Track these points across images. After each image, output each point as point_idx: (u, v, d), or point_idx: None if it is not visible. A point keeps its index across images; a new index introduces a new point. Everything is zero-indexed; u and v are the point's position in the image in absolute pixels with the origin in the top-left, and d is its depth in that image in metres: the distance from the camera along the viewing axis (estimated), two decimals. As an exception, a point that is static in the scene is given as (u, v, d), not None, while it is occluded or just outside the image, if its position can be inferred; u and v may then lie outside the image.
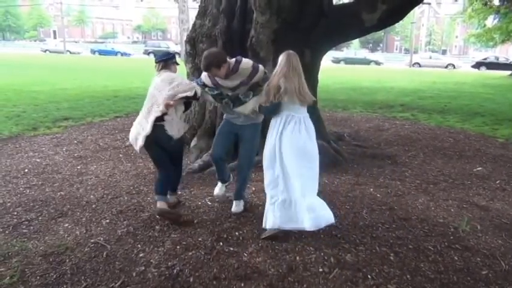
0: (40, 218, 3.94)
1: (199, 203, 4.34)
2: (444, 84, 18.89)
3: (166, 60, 3.96)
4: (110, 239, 3.51)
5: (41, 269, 3.08)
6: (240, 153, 4.18)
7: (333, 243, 3.50)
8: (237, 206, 4.13)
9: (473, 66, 35.17)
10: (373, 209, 4.31)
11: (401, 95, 14.23)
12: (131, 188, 4.76)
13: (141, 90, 13.21)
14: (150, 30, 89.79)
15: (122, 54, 42.22)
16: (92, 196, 4.48)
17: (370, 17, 5.81)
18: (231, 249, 3.38)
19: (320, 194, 3.66)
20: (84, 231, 3.65)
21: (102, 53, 42.48)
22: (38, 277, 2.98)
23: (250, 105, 3.84)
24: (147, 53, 42.92)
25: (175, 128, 3.87)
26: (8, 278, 2.96)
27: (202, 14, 6.47)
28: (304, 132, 3.62)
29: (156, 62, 3.98)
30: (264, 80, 3.80)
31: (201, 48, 6.36)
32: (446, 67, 36.07)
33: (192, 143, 6.30)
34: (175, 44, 45.82)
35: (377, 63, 40.02)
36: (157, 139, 3.82)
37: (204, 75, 3.94)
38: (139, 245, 3.42)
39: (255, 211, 4.13)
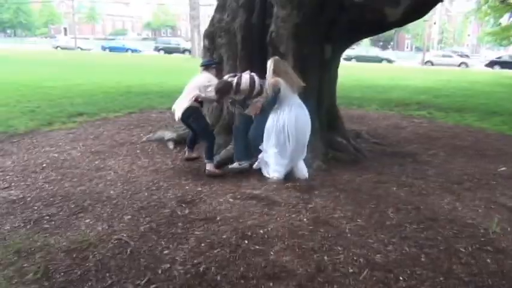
0: (61, 213, 3.89)
1: (221, 200, 4.26)
2: (459, 83, 18.63)
3: (207, 65, 5.73)
4: (132, 235, 3.44)
5: (65, 265, 3.01)
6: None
7: (361, 243, 3.41)
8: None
9: (486, 65, 34.70)
10: (398, 208, 4.20)
11: (417, 93, 14.04)
12: (150, 183, 4.70)
13: (154, 87, 13.21)
14: (160, 27, 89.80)
15: (133, 50, 42.26)
16: (111, 191, 4.42)
17: (393, 11, 5.67)
18: (257, 247, 3.30)
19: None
20: (107, 227, 3.58)
21: (113, 49, 42.58)
22: (61, 273, 2.92)
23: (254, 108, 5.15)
24: (157, 49, 42.99)
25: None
26: (31, 274, 2.90)
27: (221, 8, 6.39)
28: (300, 110, 4.91)
29: (200, 66, 5.81)
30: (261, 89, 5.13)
31: (220, 42, 6.29)
32: (459, 65, 35.65)
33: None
34: (186, 40, 45.71)
35: (389, 61, 39.69)
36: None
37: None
38: (163, 242, 3.35)
39: (275, 208, 4.04)
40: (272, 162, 4.95)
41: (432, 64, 36.73)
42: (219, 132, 6.21)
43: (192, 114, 5.35)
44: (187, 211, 3.95)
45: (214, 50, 6.38)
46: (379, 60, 39.16)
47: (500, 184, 5.17)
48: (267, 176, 4.98)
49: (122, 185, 4.62)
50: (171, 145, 6.38)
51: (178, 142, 6.45)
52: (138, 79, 15.58)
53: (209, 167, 5.16)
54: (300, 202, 4.24)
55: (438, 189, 4.91)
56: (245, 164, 5.32)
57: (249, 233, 3.51)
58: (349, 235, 3.54)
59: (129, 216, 3.81)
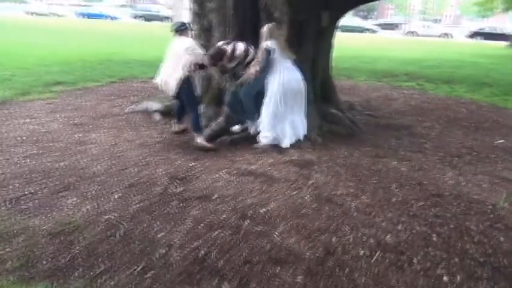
0: (43, 191, 3.57)
1: (216, 176, 3.99)
2: (444, 54, 18.50)
3: (182, 30, 5.17)
4: (123, 216, 3.17)
5: (50, 250, 2.73)
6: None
7: (369, 222, 3.21)
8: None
9: (469, 36, 34.70)
10: (402, 184, 4.02)
11: (404, 64, 13.84)
12: (138, 158, 4.39)
13: (135, 56, 12.65)
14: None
15: (112, 18, 40.72)
16: (97, 167, 4.10)
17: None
18: (259, 228, 3.07)
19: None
20: (94, 207, 3.29)
21: (90, 16, 40.90)
22: (46, 260, 2.64)
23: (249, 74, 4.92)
24: (136, 16, 41.49)
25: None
26: (12, 261, 2.61)
27: (210, -30, 5.94)
28: (292, 73, 4.91)
29: (174, 31, 5.16)
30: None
31: (210, 7, 5.88)
32: (439, 36, 35.55)
33: (201, 109, 5.88)
34: (168, 8, 44.18)
35: (372, 31, 39.29)
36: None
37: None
38: (157, 223, 3.09)
39: (274, 184, 3.81)
40: (263, 126, 4.93)
41: (417, 35, 36.47)
42: (209, 103, 5.89)
43: (185, 84, 4.99)
44: (181, 188, 3.68)
45: (204, 15, 5.96)
46: (361, 30, 38.69)
47: (500, 157, 5.04)
48: (260, 142, 4.91)
49: (108, 160, 4.30)
50: (157, 117, 6.04)
51: (165, 113, 6.11)
52: (118, 47, 14.92)
53: (199, 139, 4.91)
54: (299, 178, 4.01)
55: (438, 163, 4.75)
56: (246, 124, 5.24)
57: (250, 213, 3.27)
58: (355, 213, 3.34)
59: (119, 195, 3.51)
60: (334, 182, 3.96)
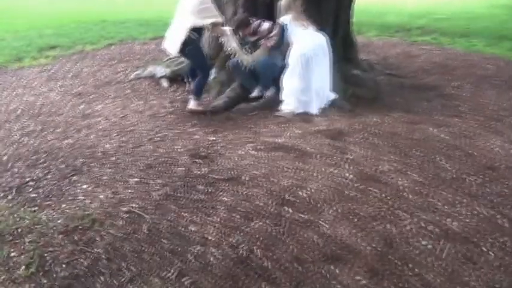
0: (49, 176, 3.15)
1: (241, 153, 3.56)
2: (452, 5, 17.67)
3: None
4: (145, 205, 2.76)
5: (66, 252, 2.34)
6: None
7: (426, 206, 2.81)
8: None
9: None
10: (448, 156, 3.60)
11: (415, 17, 13.11)
12: (152, 133, 3.95)
13: (131, 15, 11.87)
14: None
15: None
16: (107, 145, 3.67)
17: None
18: (303, 216, 2.67)
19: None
20: (111, 195, 2.88)
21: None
22: (63, 265, 2.25)
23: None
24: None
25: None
26: (23, 267, 2.21)
27: None
28: (318, 38, 4.57)
29: None
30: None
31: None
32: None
33: (211, 76, 5.37)
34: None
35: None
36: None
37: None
38: (185, 214, 2.68)
39: (308, 160, 3.39)
40: (286, 94, 4.59)
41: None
42: (220, 67, 5.38)
43: (189, 46, 4.52)
44: (205, 169, 3.25)
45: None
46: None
47: (544, 119, 4.61)
48: (283, 111, 4.55)
49: (118, 136, 3.86)
50: (165, 83, 5.54)
51: (173, 79, 5.62)
52: (110, 5, 14.06)
53: (193, 104, 4.60)
54: (335, 152, 3.58)
55: (479, 128, 4.33)
56: (270, 92, 4.86)
57: (289, 197, 2.87)
58: (407, 195, 2.94)
59: (136, 179, 3.09)
60: (375, 156, 3.53)
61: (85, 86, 5.40)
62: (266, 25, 4.74)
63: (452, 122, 4.47)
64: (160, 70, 5.74)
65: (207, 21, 4.55)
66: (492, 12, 14.98)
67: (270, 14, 5.01)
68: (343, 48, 5.60)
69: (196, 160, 3.40)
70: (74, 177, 3.12)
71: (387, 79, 6.09)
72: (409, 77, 6.33)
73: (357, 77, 5.56)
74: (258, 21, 4.79)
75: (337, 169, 3.29)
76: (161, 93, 5.17)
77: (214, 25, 4.59)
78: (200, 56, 4.72)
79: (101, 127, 4.08)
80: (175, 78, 5.58)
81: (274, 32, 4.66)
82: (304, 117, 4.41)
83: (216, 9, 4.61)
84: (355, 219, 2.64)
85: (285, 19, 4.58)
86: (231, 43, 4.69)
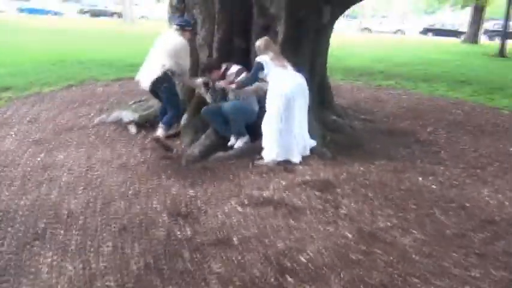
0: (4, 244, 2.67)
1: (226, 209, 3.23)
2: (408, 51, 18.47)
3: (183, 27, 4.58)
4: (124, 280, 2.35)
5: None
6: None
7: (437, 270, 2.57)
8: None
9: (421, 32, 35.41)
10: (444, 209, 3.43)
11: (375, 62, 13.52)
12: (124, 187, 3.55)
13: (90, 55, 11.44)
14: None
15: (55, 13, 38.18)
16: (73, 203, 3.23)
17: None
18: (308, 287, 2.34)
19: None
20: (81, 269, 2.44)
21: (32, 11, 38.11)
22: None
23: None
24: (82, 12, 39.17)
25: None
26: None
27: (193, -44, 5.12)
28: (297, 78, 4.30)
29: (174, 25, 4.64)
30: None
31: (193, 1, 5.05)
32: (395, 32, 36.08)
33: (182, 121, 5.06)
34: (116, 3, 42.09)
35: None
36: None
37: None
38: (172, 290, 2.29)
39: (301, 217, 3.10)
40: (267, 142, 4.29)
41: (370, 31, 36.78)
42: (192, 113, 5.08)
43: (162, 83, 4.41)
44: (188, 230, 2.89)
45: (185, 10, 5.14)
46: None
47: (525, 167, 4.59)
48: (263, 159, 4.26)
49: (85, 192, 3.43)
50: (133, 129, 5.16)
51: (141, 125, 5.25)
52: (70, 46, 13.54)
53: (160, 132, 4.44)
54: (327, 206, 3.33)
55: (465, 177, 4.24)
56: (245, 139, 4.59)
57: (288, 263, 2.55)
58: (415, 256, 2.69)
59: (110, 246, 2.67)
60: (369, 210, 3.30)
61: (44, 132, 4.93)
62: (234, 68, 4.57)
63: (436, 170, 4.36)
64: (127, 115, 5.37)
65: (182, 65, 4.51)
66: (444, 58, 15.73)
67: (246, 58, 4.85)
68: (319, 93, 5.47)
69: (177, 220, 3.03)
70: (36, 246, 2.65)
71: (362, 124, 6.00)
72: (383, 122, 6.30)
73: (334, 123, 5.43)
74: (226, 64, 4.63)
75: (333, 227, 3.01)
76: (129, 141, 4.78)
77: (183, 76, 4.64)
78: (174, 94, 4.58)
79: (64, 180, 3.63)
80: (143, 124, 5.22)
81: (243, 74, 4.49)
82: (286, 166, 4.15)
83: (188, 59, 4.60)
84: (367, 290, 2.34)
85: (263, 58, 4.29)
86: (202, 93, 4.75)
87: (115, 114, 5.46)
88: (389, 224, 3.10)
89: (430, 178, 4.11)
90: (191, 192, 3.50)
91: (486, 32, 30.71)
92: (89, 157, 4.21)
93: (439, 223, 3.18)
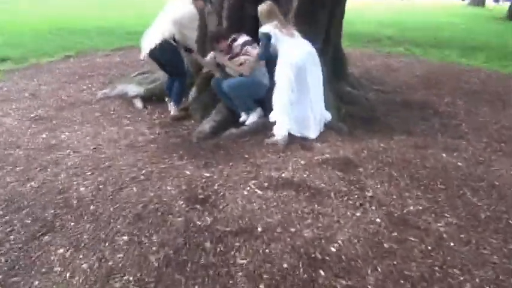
0: (12, 236, 2.48)
1: (245, 192, 3.05)
2: (415, 15, 17.91)
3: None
4: (144, 276, 2.17)
5: None
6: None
7: (478, 259, 2.41)
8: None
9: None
10: (473, 189, 3.25)
11: (383, 27, 13.08)
12: (135, 169, 3.34)
13: (91, 22, 11.01)
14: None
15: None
16: (82, 188, 3.03)
17: None
18: (343, 282, 2.18)
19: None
20: (97, 263, 2.26)
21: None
22: None
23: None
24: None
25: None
26: None
27: None
28: (306, 47, 4.05)
29: None
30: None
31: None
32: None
33: (191, 94, 4.81)
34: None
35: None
36: None
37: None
38: (197, 287, 2.12)
39: (325, 201, 2.92)
40: (276, 115, 4.09)
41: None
42: (202, 88, 4.82)
43: (165, 50, 4.20)
44: (208, 218, 2.70)
45: None
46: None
47: (550, 140, 4.39)
48: (277, 136, 3.99)
49: (94, 175, 3.23)
50: (139, 103, 4.92)
51: (147, 99, 5.00)
52: (66, 11, 13.04)
53: (174, 110, 4.49)
54: (351, 189, 3.14)
55: (490, 152, 4.05)
56: (256, 113, 4.33)
57: (318, 255, 2.37)
58: (452, 244, 2.52)
59: (125, 237, 2.49)
60: (396, 192, 3.12)
61: (45, 108, 4.68)
62: (241, 40, 4.26)
63: (459, 145, 4.16)
64: (132, 89, 5.11)
65: (188, 35, 4.26)
66: (452, 21, 15.26)
67: (258, 26, 4.55)
68: (334, 64, 5.19)
69: (195, 206, 2.83)
70: (46, 237, 2.47)
71: (376, 95, 5.75)
72: (397, 92, 6.04)
73: (349, 95, 5.18)
74: (234, 35, 4.33)
75: (361, 212, 2.83)
76: (136, 117, 4.54)
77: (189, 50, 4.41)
78: (177, 63, 4.40)
79: (71, 163, 3.42)
80: (149, 98, 4.97)
81: (249, 52, 4.18)
82: (302, 142, 3.94)
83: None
84: (407, 284, 2.17)
85: (268, 28, 4.00)
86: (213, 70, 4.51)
87: (119, 88, 5.21)
88: (420, 207, 2.91)
89: (455, 154, 3.92)
90: (206, 174, 3.30)
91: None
92: (94, 136, 3.99)
93: (471, 205, 3.00)
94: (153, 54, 4.27)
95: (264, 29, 4.02)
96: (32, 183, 3.08)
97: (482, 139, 4.37)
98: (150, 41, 4.22)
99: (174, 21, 4.15)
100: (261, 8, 4.07)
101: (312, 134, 4.08)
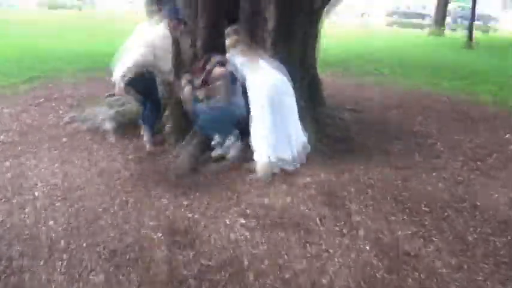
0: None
1: (229, 223, 2.89)
2: (378, 41, 18.39)
3: (172, 17, 4.10)
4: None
5: None
6: None
7: (474, 287, 2.33)
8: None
9: (387, 15, 35.55)
10: (457, 211, 3.25)
11: (349, 49, 13.30)
12: (108, 200, 3.15)
13: (50, 47, 10.57)
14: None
15: (12, 6, 35.80)
16: (51, 222, 2.81)
17: None
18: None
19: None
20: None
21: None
22: None
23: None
24: (40, 5, 36.94)
25: None
26: None
27: None
28: (276, 72, 3.94)
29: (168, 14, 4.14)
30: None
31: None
32: (362, 15, 36.07)
33: (165, 119, 4.61)
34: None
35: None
36: None
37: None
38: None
39: (313, 231, 2.81)
40: (257, 145, 3.85)
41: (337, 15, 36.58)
42: (173, 111, 4.61)
43: (138, 75, 4.03)
44: (190, 251, 2.54)
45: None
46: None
47: (523, 158, 4.47)
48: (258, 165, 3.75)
49: (64, 207, 3.01)
50: (109, 127, 4.68)
51: (119, 123, 4.78)
52: (28, 38, 12.51)
53: (149, 145, 4.17)
54: (337, 214, 3.06)
55: (467, 171, 4.07)
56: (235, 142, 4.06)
57: (310, 289, 2.24)
58: (445, 271, 2.46)
59: (101, 276, 2.29)
60: (383, 217, 3.06)
61: (9, 133, 4.41)
62: (214, 60, 4.03)
63: (437, 164, 4.19)
64: (102, 111, 4.89)
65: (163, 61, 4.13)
66: (415, 44, 15.69)
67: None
68: (310, 87, 5.15)
69: (176, 238, 2.67)
70: (12, 278, 2.24)
71: (350, 116, 5.74)
72: (369, 112, 6.06)
73: (325, 116, 5.15)
74: (211, 65, 4.04)
75: (349, 239, 2.75)
76: (107, 141, 4.33)
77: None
78: (151, 83, 4.22)
79: (38, 193, 3.19)
80: (121, 122, 4.76)
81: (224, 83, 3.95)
82: (282, 166, 3.84)
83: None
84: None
85: (232, 56, 3.95)
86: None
87: (88, 111, 4.97)
88: (408, 232, 2.86)
89: (434, 174, 3.92)
90: (185, 202, 3.14)
91: (449, 14, 31.14)
92: (63, 163, 3.76)
93: (457, 227, 2.97)
94: (126, 80, 4.09)
95: (228, 57, 3.98)
96: (-5, 218, 2.83)
97: (458, 158, 4.40)
98: (122, 67, 4.04)
99: (147, 44, 4.02)
100: (227, 36, 4.03)
101: (288, 155, 3.96)
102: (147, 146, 4.16)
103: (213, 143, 4.10)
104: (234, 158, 3.95)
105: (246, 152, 3.95)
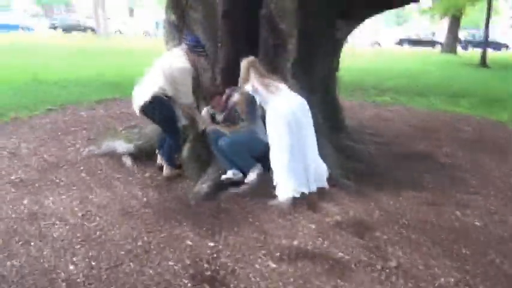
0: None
1: (257, 266, 2.72)
2: (393, 64, 18.39)
3: (192, 47, 4.05)
4: None
5: None
6: None
7: None
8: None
9: (397, 43, 35.78)
10: (502, 253, 3.05)
11: (364, 75, 13.25)
12: (130, 241, 2.99)
13: (67, 74, 10.70)
14: (52, 2, 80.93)
15: (25, 28, 36.83)
16: (71, 267, 2.66)
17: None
18: None
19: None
20: None
21: (3, 27, 36.60)
22: None
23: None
24: (53, 27, 37.96)
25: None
26: None
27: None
28: (295, 99, 3.83)
29: (185, 44, 4.11)
30: None
31: (193, 16, 4.56)
32: (372, 45, 36.27)
33: (185, 151, 4.50)
34: (87, 17, 41.10)
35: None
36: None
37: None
38: None
39: (348, 274, 2.62)
40: (279, 177, 3.75)
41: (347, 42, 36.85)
42: (194, 144, 4.51)
43: (157, 106, 3.98)
44: (221, 302, 2.35)
45: (183, 27, 4.62)
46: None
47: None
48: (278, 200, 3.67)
49: (84, 250, 2.86)
50: (128, 161, 4.58)
51: (138, 156, 4.67)
52: (44, 63, 12.75)
53: (167, 170, 4.20)
54: (372, 257, 2.86)
55: (504, 208, 3.86)
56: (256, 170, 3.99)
57: None
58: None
59: (127, 331, 2.11)
60: (421, 260, 2.87)
61: (27, 169, 4.32)
62: (237, 96, 4.07)
63: (471, 201, 3.99)
64: (121, 145, 4.79)
65: (179, 89, 4.03)
66: (429, 69, 15.67)
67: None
68: (332, 116, 5.03)
69: (203, 285, 2.50)
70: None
71: (376, 148, 5.57)
72: (394, 143, 5.90)
73: (351, 149, 4.99)
74: (229, 90, 4.15)
75: (389, 286, 2.55)
76: (127, 177, 4.22)
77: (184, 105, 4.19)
78: (169, 120, 4.13)
79: (57, 234, 3.05)
80: (140, 155, 4.66)
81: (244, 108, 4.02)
82: (308, 202, 3.67)
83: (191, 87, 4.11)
84: None
85: (247, 88, 3.86)
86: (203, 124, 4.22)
87: (106, 144, 4.87)
88: (451, 278, 2.65)
89: (468, 212, 3.72)
90: (210, 243, 2.98)
91: (459, 41, 31.26)
92: (82, 201, 3.63)
93: (506, 274, 2.75)
94: (145, 110, 4.05)
95: (245, 88, 3.88)
96: (14, 261, 2.69)
97: (491, 192, 4.21)
98: (141, 97, 4.01)
99: (165, 75, 3.97)
100: (243, 65, 3.92)
101: (311, 188, 3.81)
102: (164, 171, 4.19)
103: (223, 177, 3.96)
104: (255, 182, 3.85)
105: (267, 181, 3.82)
